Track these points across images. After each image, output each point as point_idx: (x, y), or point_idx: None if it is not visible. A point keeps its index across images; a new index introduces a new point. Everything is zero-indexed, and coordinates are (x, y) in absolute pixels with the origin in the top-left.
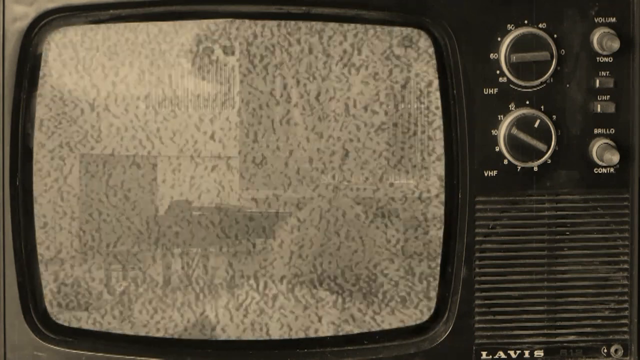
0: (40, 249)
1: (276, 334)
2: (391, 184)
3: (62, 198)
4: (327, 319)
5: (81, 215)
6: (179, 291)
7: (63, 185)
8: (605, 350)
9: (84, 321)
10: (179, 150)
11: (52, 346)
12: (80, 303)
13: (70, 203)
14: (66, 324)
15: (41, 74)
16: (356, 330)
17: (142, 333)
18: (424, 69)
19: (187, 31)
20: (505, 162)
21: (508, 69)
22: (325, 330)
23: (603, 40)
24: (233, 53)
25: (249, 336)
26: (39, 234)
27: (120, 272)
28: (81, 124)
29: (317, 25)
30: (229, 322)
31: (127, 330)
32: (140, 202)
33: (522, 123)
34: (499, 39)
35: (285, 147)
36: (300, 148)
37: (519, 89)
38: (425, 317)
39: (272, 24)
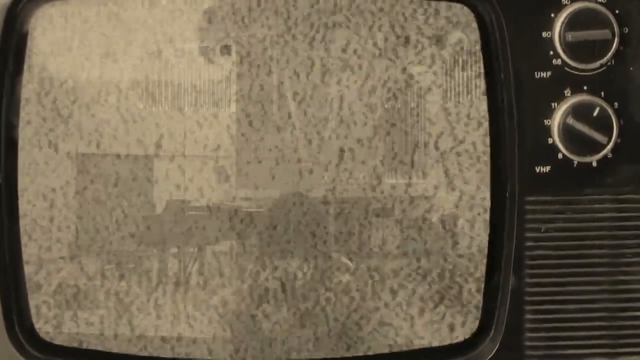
0: (25, 254)
1: (284, 350)
2: (426, 182)
3: (51, 196)
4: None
5: (71, 216)
6: (176, 294)
7: (52, 182)
8: None
9: (74, 336)
10: (175, 149)
11: None
12: (70, 314)
13: (59, 202)
14: (54, 341)
15: (27, 54)
16: (387, 350)
17: (137, 346)
18: (465, 51)
19: (183, 22)
20: (560, 156)
21: (563, 50)
22: (345, 349)
23: None
24: (230, 52)
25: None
26: (25, 237)
27: (114, 277)
28: (72, 113)
29: (318, 19)
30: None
31: (122, 335)
32: (136, 201)
33: (579, 111)
34: (552, 15)
35: (284, 146)
36: (301, 146)
37: (576, 72)
38: (469, 334)
39: (271, 22)
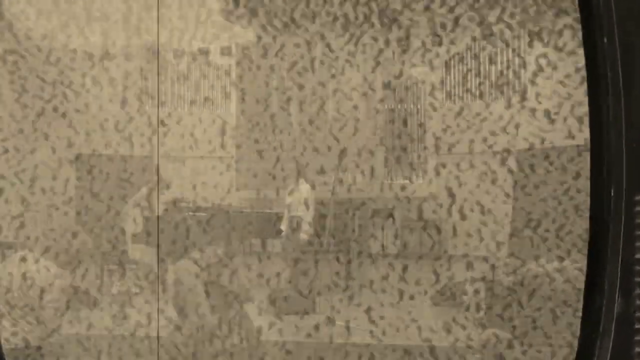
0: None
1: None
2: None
3: (31, 192)
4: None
5: (53, 217)
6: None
7: (33, 177)
8: None
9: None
10: (176, 150)
11: None
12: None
13: (42, 200)
14: None
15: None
16: None
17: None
18: (556, 9)
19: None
20: None
21: None
22: None
23: None
24: (230, 53)
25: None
26: None
27: (114, 278)
28: (57, 96)
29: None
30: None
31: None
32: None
33: None
34: None
35: (284, 147)
36: (302, 146)
37: None
38: None
39: (270, 22)
